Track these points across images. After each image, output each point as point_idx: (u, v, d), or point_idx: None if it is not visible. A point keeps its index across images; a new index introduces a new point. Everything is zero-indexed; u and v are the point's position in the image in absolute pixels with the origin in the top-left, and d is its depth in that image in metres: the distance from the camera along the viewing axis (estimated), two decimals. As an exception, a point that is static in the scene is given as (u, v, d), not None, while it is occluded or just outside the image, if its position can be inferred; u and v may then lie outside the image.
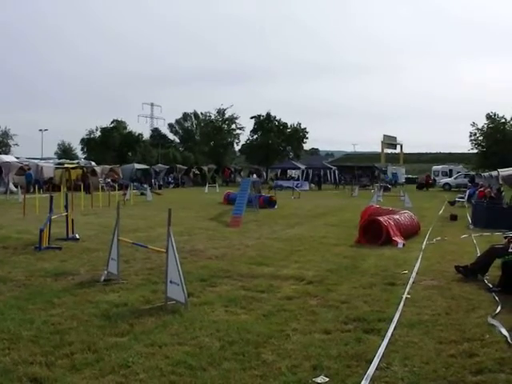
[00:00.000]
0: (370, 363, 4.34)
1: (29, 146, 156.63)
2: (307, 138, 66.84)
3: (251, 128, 65.69)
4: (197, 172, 53.59)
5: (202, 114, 78.71)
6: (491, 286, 7.34)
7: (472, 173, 47.77)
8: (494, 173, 24.63)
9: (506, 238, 8.35)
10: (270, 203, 22.56)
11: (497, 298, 6.59)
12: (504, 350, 4.76)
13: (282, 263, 9.11)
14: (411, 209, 18.95)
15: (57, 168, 37.71)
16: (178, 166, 52.47)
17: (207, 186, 38.93)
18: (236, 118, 67.76)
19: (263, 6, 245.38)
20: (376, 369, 4.25)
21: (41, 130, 74.05)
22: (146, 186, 32.91)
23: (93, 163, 44.73)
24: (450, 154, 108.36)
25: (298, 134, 65.09)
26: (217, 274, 7.99)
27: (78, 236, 11.60)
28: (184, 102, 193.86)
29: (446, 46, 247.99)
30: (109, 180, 37.41)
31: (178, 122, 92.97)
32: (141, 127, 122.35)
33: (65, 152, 75.19)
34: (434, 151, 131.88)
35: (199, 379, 4.08)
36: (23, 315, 5.67)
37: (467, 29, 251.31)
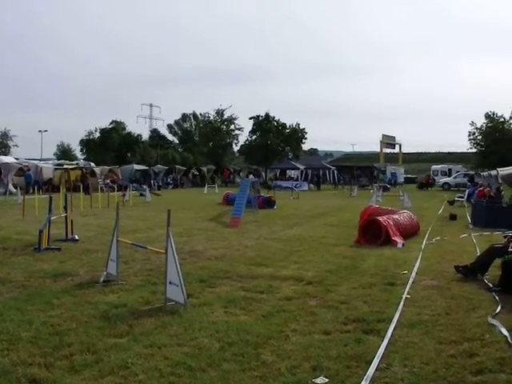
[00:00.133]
0: (370, 364, 4.34)
1: (28, 147, 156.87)
2: (306, 139, 66.77)
3: (250, 128, 65.71)
4: (196, 173, 53.61)
5: (200, 114, 78.73)
6: (491, 285, 7.33)
7: (471, 172, 47.79)
8: (494, 172, 24.62)
9: (505, 237, 8.36)
10: (269, 203, 22.56)
11: (497, 298, 6.59)
12: (504, 350, 4.75)
13: (282, 264, 9.10)
14: (410, 208, 18.95)
15: (56, 169, 37.70)
16: (177, 166, 52.47)
17: (206, 186, 38.91)
18: (235, 119, 67.78)
19: (263, 6, 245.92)
20: (376, 369, 4.24)
21: (40, 131, 74.04)
22: (145, 186, 32.89)
23: (92, 164, 44.69)
24: (449, 153, 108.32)
25: (297, 134, 65.03)
26: (216, 275, 7.98)
27: (77, 237, 11.58)
28: (183, 103, 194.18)
29: (445, 46, 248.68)
30: (108, 181, 37.37)
31: (176, 122, 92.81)
32: (140, 128, 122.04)
33: (64, 153, 75.07)
34: (433, 151, 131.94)
35: (198, 380, 4.07)
36: (22, 316, 5.66)
37: (467, 29, 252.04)
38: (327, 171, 58.18)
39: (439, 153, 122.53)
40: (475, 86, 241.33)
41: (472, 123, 49.71)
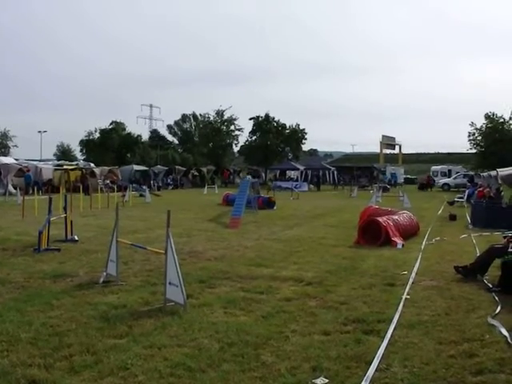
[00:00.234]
0: (370, 364, 4.33)
1: (28, 147, 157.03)
2: (306, 139, 66.93)
3: (250, 129, 65.75)
4: (196, 173, 53.63)
5: (200, 115, 78.84)
6: (491, 285, 7.33)
7: (471, 173, 47.78)
8: (493, 173, 24.62)
9: (505, 237, 8.36)
10: (268, 204, 22.56)
11: (496, 298, 6.58)
12: (504, 350, 4.75)
13: (281, 264, 9.10)
14: (410, 209, 18.94)
15: (56, 169, 37.72)
16: (176, 167, 52.49)
17: (206, 187, 38.92)
18: (235, 119, 67.85)
19: (263, 6, 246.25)
20: (376, 370, 4.24)
21: (40, 132, 74.22)
22: (144, 187, 32.89)
23: (92, 165, 44.72)
24: (449, 154, 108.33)
25: (297, 134, 65.11)
26: (216, 276, 7.98)
27: (76, 238, 11.57)
28: (183, 103, 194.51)
29: (445, 47, 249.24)
30: (108, 181, 37.38)
31: (176, 123, 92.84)
32: (140, 128, 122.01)
33: (64, 153, 75.03)
34: (433, 151, 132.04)
35: (198, 381, 4.07)
36: (22, 317, 5.66)
37: (466, 30, 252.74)
38: (327, 172, 58.21)
39: (439, 153, 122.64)
40: (475, 86, 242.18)
41: (472, 124, 49.73)
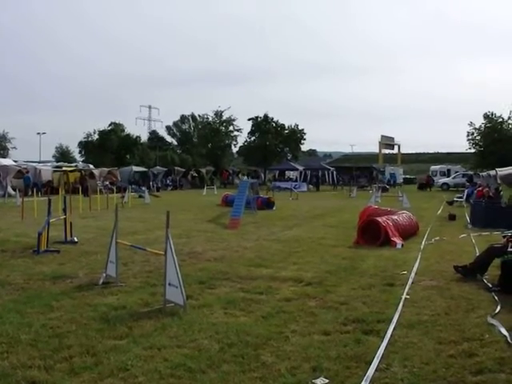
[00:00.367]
0: (370, 364, 4.34)
1: (27, 149, 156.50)
2: (305, 139, 67.06)
3: (249, 130, 65.81)
4: (195, 174, 53.63)
5: (199, 116, 78.94)
6: (490, 285, 7.33)
7: (470, 172, 47.80)
8: (492, 172, 24.65)
9: (504, 237, 8.36)
10: (268, 205, 22.56)
11: (496, 298, 6.59)
12: (504, 350, 4.75)
13: (281, 265, 9.10)
14: (409, 209, 18.95)
15: (55, 171, 37.73)
16: (176, 168, 52.52)
17: (205, 188, 38.92)
18: (234, 120, 67.90)
19: (263, 6, 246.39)
20: (376, 370, 4.24)
21: (39, 133, 74.07)
22: (144, 188, 32.88)
23: (91, 166, 44.70)
24: (448, 153, 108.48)
25: (296, 135, 65.22)
26: (215, 276, 7.98)
27: (76, 239, 11.56)
28: (182, 104, 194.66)
29: (445, 47, 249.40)
30: (107, 183, 37.40)
31: (175, 124, 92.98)
32: (139, 130, 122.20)
33: (63, 155, 75.08)
34: (432, 151, 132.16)
35: (198, 382, 4.07)
36: (21, 319, 5.65)
37: (466, 30, 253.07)
38: (326, 172, 58.18)
39: (438, 153, 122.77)
40: (475, 86, 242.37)
41: (471, 123, 49.81)
